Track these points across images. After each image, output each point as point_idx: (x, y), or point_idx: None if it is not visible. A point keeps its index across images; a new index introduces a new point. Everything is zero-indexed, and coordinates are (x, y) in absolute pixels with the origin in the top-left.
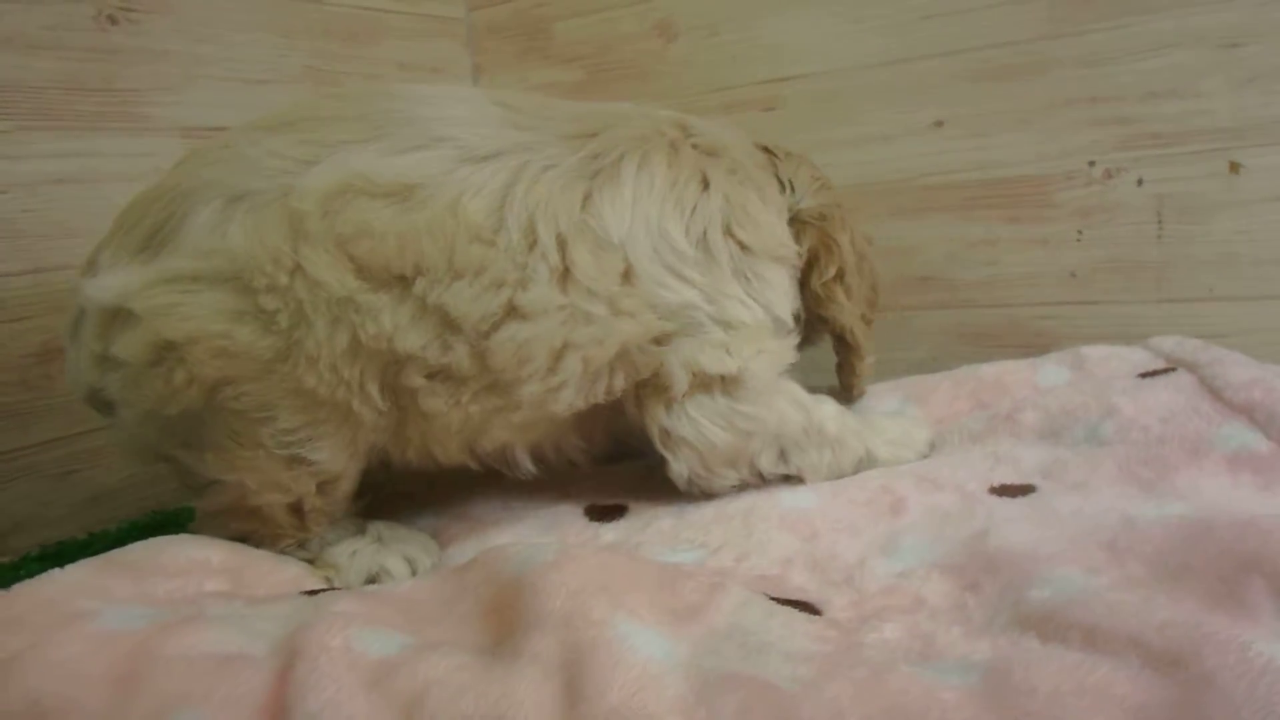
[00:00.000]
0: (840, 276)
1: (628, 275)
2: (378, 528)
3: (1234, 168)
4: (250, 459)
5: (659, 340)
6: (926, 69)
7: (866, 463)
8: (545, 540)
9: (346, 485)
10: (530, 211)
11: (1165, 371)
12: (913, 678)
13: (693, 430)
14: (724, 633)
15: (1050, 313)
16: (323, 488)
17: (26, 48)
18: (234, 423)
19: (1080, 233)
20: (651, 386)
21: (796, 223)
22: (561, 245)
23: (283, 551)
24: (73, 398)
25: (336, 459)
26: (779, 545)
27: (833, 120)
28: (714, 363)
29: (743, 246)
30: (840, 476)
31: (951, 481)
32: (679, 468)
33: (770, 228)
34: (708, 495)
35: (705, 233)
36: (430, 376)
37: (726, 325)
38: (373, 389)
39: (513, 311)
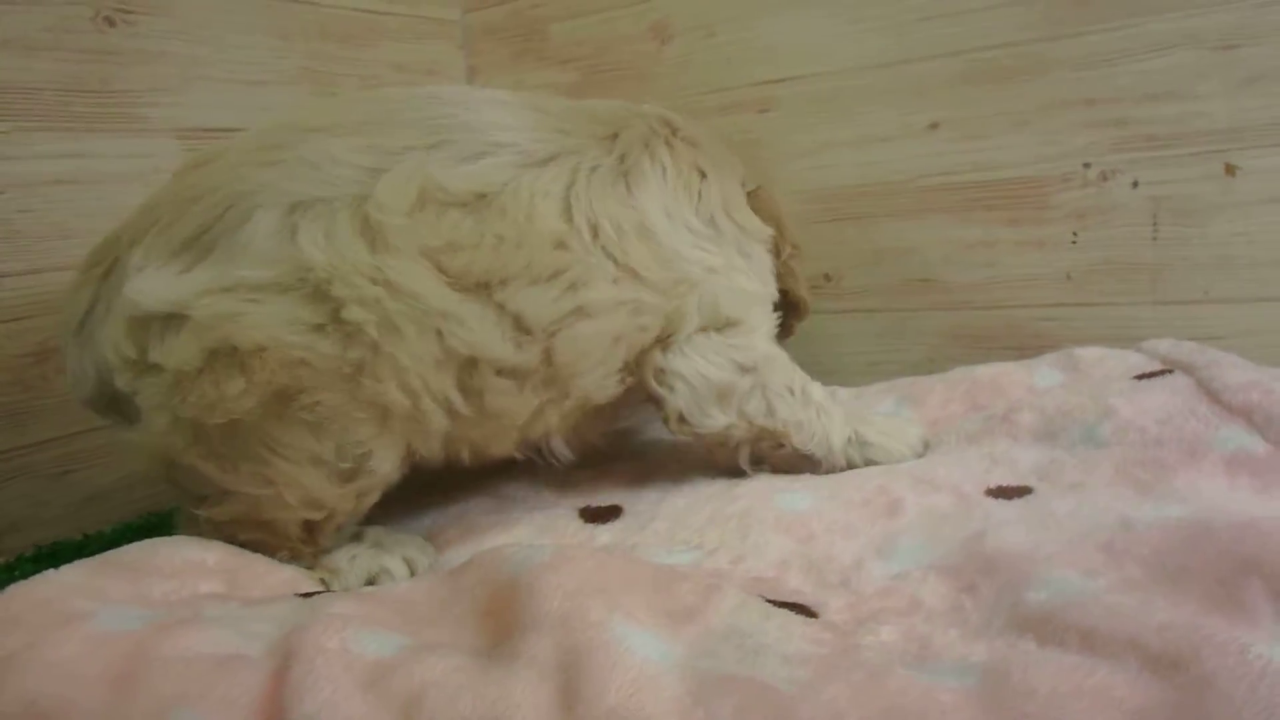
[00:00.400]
0: (796, 252)
1: (665, 260)
2: (373, 533)
3: (1230, 170)
4: (295, 474)
5: (679, 308)
6: (923, 70)
7: (856, 445)
8: (541, 542)
9: (376, 497)
10: (592, 211)
11: (1162, 373)
12: (910, 679)
13: (688, 365)
14: (721, 635)
15: (1046, 314)
16: (361, 500)
17: (25, 49)
18: (288, 435)
19: (1076, 235)
20: (657, 342)
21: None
22: (621, 238)
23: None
24: (69, 398)
25: (394, 468)
26: (775, 547)
27: (829, 121)
28: (727, 305)
29: (740, 228)
30: (830, 450)
31: (948, 483)
32: (672, 402)
33: (751, 213)
34: (693, 431)
35: (712, 216)
36: (499, 375)
37: (737, 289)
38: (455, 394)
39: (579, 310)
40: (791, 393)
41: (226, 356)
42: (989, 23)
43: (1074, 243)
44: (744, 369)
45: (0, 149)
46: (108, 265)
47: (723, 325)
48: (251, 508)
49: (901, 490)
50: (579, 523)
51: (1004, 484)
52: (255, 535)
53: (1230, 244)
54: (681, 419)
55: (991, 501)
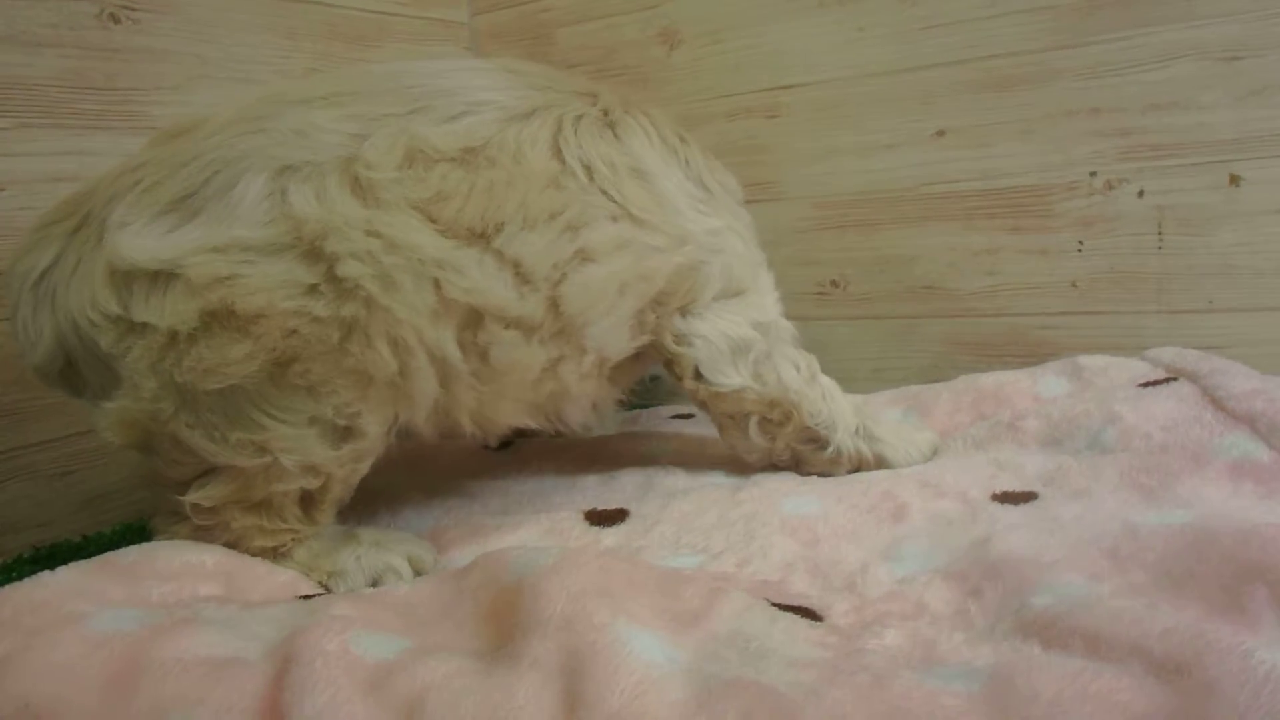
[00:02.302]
0: None
1: (664, 206)
2: (369, 533)
3: (1234, 180)
4: (293, 437)
5: (692, 264)
6: (929, 78)
7: (865, 438)
8: (545, 545)
9: (368, 467)
10: (584, 151)
11: (1166, 381)
12: (915, 684)
13: (708, 325)
14: (725, 638)
15: (1051, 323)
16: (356, 466)
17: (29, 44)
18: (286, 398)
19: (1081, 243)
20: (670, 309)
21: None
22: (616, 177)
23: (276, 557)
24: (69, 399)
25: (380, 432)
26: (780, 550)
27: (835, 128)
28: (739, 272)
29: (726, 189)
30: (835, 431)
31: (954, 488)
32: (690, 356)
33: (729, 174)
34: (709, 389)
35: (701, 177)
36: (506, 327)
37: (736, 253)
38: (453, 350)
39: (581, 254)
40: (798, 368)
41: (224, 319)
42: (995, 31)
43: (1079, 251)
44: (759, 325)
45: (3, 145)
46: (76, 221)
47: (736, 293)
48: (244, 484)
49: (907, 495)
50: (584, 525)
51: (1010, 489)
52: (249, 520)
53: (1234, 254)
54: (698, 374)
55: (997, 507)
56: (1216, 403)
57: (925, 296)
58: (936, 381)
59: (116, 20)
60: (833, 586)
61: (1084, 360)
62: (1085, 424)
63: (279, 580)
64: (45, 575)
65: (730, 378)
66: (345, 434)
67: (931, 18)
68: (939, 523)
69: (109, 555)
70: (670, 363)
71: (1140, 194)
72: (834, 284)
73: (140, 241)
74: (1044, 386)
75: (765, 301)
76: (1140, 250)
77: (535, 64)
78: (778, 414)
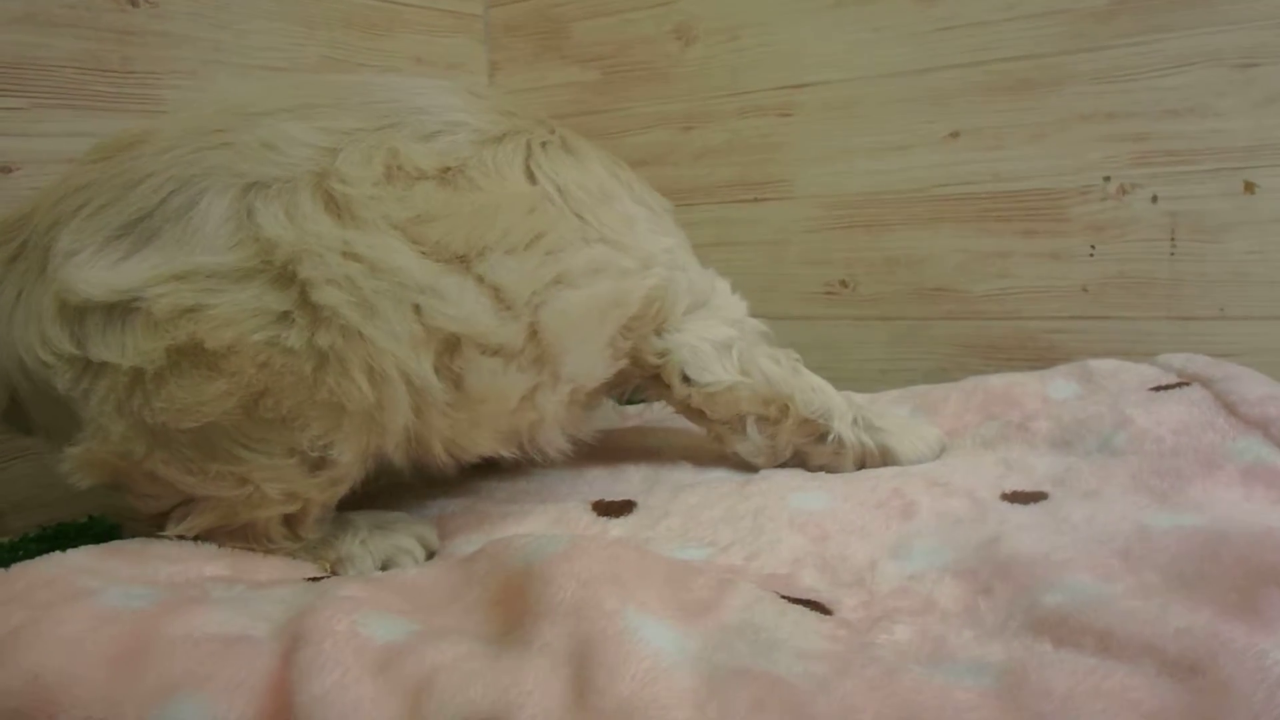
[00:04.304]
0: None
1: (630, 225)
2: (364, 517)
3: (1249, 188)
4: (273, 467)
5: (660, 286)
6: (944, 80)
7: (865, 429)
8: (554, 533)
9: (346, 488)
10: (556, 175)
11: (1178, 386)
12: (926, 678)
13: (685, 336)
14: (735, 629)
15: (1061, 326)
16: (334, 489)
17: (46, 25)
18: (264, 430)
19: (1093, 248)
20: (645, 332)
21: None
22: (590, 199)
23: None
24: None
25: (355, 460)
26: (789, 545)
27: (848, 128)
28: (699, 287)
29: (666, 210)
30: (831, 422)
31: (963, 487)
32: (674, 361)
33: (660, 196)
34: (701, 390)
35: (646, 201)
36: (484, 354)
37: (691, 267)
38: (431, 378)
39: (560, 280)
40: (778, 362)
41: (193, 356)
42: (1010, 34)
43: (1091, 255)
44: (734, 322)
45: (17, 125)
46: (13, 250)
47: (702, 303)
48: (226, 513)
49: (916, 493)
50: (591, 515)
51: (1020, 489)
52: (235, 543)
53: (1247, 261)
54: (685, 378)
55: (1007, 506)
56: (1229, 408)
57: (935, 298)
58: (943, 382)
59: (134, 4)
60: (841, 581)
61: (1094, 364)
62: (1096, 426)
63: (282, 562)
64: (56, 555)
65: (719, 374)
66: (319, 464)
67: (947, 19)
68: (948, 521)
69: (115, 542)
70: (656, 378)
71: (1154, 199)
72: (843, 284)
73: (92, 272)
74: (1054, 389)
75: (731, 301)
76: (1152, 256)
77: (492, 90)
78: (773, 410)
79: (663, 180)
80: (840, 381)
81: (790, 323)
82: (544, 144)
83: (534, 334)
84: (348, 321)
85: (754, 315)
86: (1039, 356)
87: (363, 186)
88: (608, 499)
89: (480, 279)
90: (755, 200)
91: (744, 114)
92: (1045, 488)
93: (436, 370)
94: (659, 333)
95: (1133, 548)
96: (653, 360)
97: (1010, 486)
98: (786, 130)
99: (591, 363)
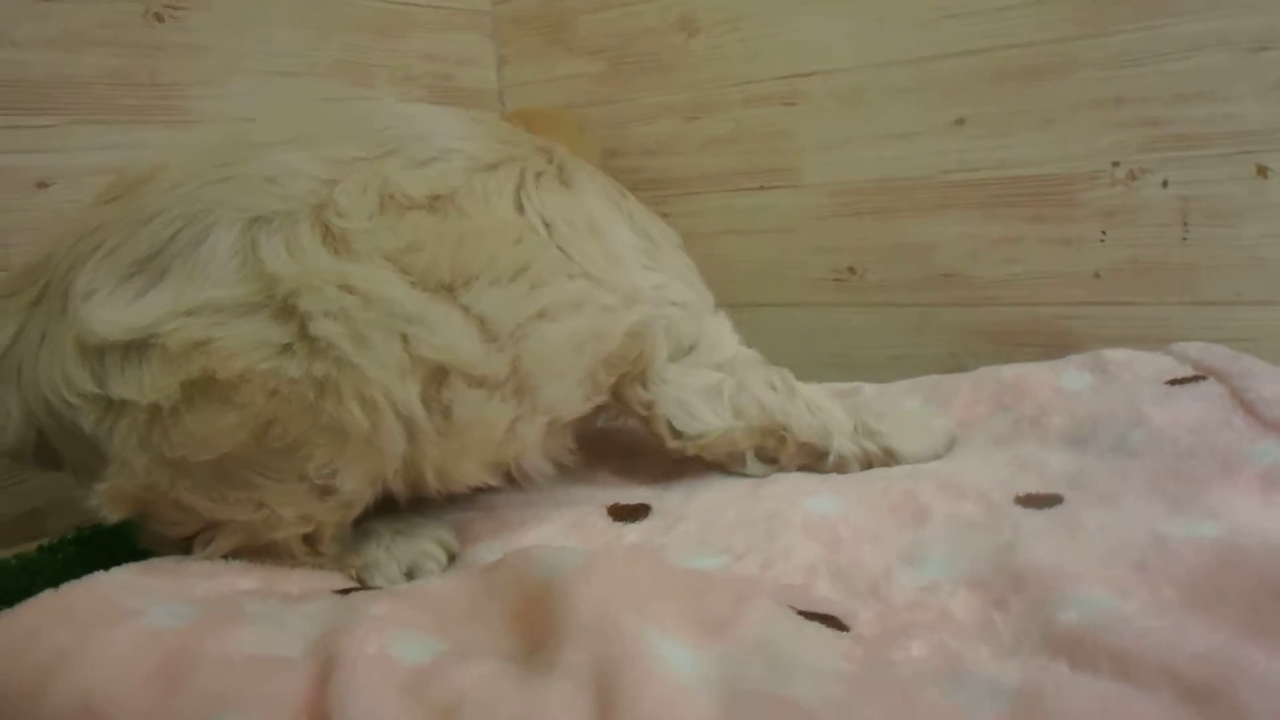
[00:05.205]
0: None
1: (615, 262)
2: (385, 524)
3: (1262, 171)
4: (285, 492)
5: (642, 327)
6: (948, 67)
7: (866, 435)
8: (569, 541)
9: (360, 509)
10: (544, 207)
11: (1194, 380)
12: (943, 701)
13: (668, 389)
14: (752, 647)
15: (1073, 313)
16: (347, 511)
17: (79, 44)
18: (273, 458)
19: (1104, 233)
20: (628, 375)
21: None
22: (574, 234)
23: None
24: None
25: (360, 488)
26: (802, 552)
27: (854, 117)
28: (686, 331)
29: (665, 236)
30: (830, 441)
31: (975, 489)
32: (660, 414)
33: (662, 220)
34: (694, 443)
35: (645, 229)
36: (470, 385)
37: (681, 305)
38: (418, 408)
39: (542, 313)
40: (774, 388)
41: (206, 389)
42: (1015, 21)
43: (1102, 241)
44: (722, 365)
45: (51, 141)
46: (36, 292)
47: (689, 348)
48: (248, 535)
49: (928, 496)
50: (607, 520)
51: (1033, 491)
52: (261, 560)
53: (1261, 246)
54: (673, 430)
55: (1020, 510)
56: (1246, 406)
57: (944, 285)
58: (955, 370)
59: (160, 19)
60: (856, 591)
61: (1108, 354)
62: (1110, 424)
63: (311, 573)
64: (100, 575)
65: (710, 422)
66: (327, 490)
67: (951, 6)
68: (961, 526)
69: (153, 560)
70: (646, 426)
71: (1165, 184)
72: (851, 271)
73: (108, 313)
74: (1067, 379)
75: (721, 341)
76: (1164, 241)
77: (492, 115)
78: (771, 441)
79: (669, 170)
80: (852, 368)
81: (800, 309)
82: (538, 174)
83: (515, 366)
84: (342, 352)
85: (763, 304)
86: (1051, 342)
87: (357, 220)
88: (622, 502)
89: (466, 309)
90: (761, 189)
91: (749, 103)
92: (1059, 489)
93: (425, 400)
94: (644, 383)
95: (1149, 559)
96: (639, 410)
97: (1023, 488)
98: (792, 119)
99: (569, 395)
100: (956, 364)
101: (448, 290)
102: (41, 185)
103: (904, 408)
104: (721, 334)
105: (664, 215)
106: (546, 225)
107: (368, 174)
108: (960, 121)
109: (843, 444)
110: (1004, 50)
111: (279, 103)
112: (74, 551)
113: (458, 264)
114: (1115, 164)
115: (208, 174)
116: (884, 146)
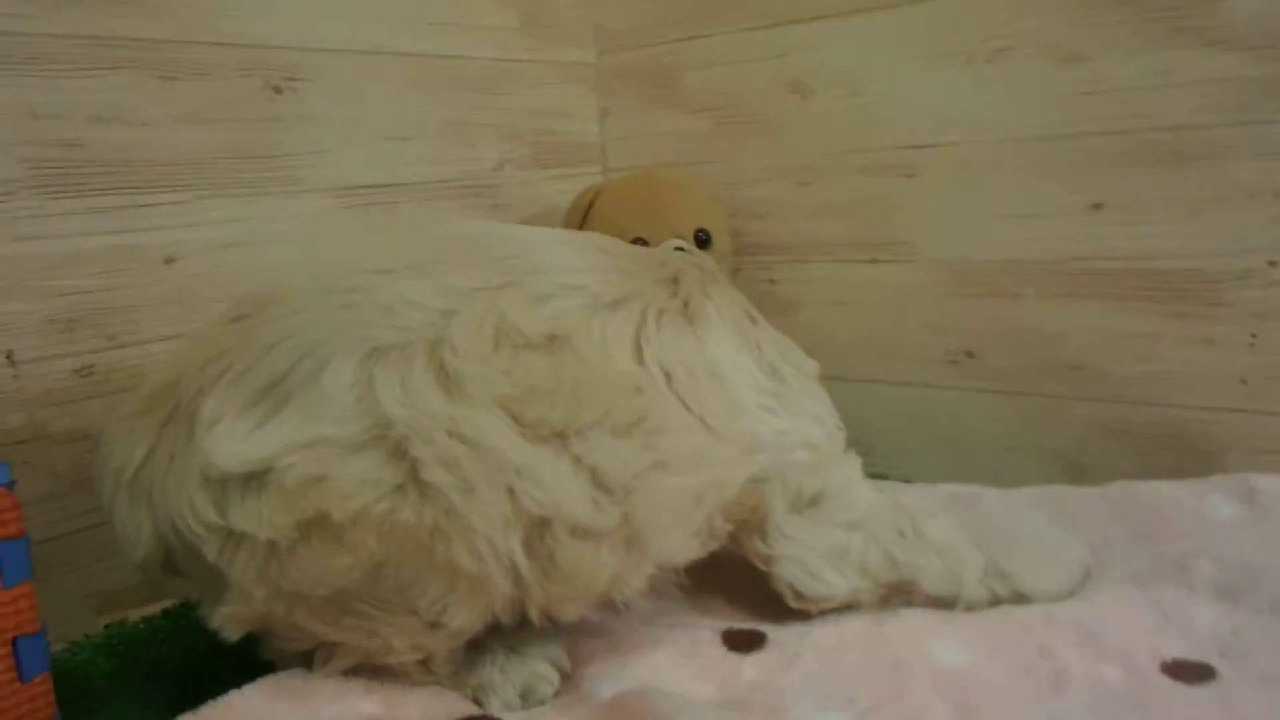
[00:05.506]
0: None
1: (736, 410)
2: (502, 639)
3: None
4: (396, 624)
5: (761, 476)
6: (1085, 147)
7: (996, 576)
8: (684, 672)
9: (469, 636)
10: (664, 355)
11: None
12: None
13: (793, 547)
14: None
15: (1214, 419)
16: (456, 639)
17: (207, 122)
18: (385, 593)
19: (1254, 336)
20: (746, 523)
21: None
22: (694, 384)
23: None
24: None
25: (470, 622)
26: (935, 717)
27: (977, 192)
28: (808, 485)
29: (798, 369)
30: (963, 587)
31: (1116, 647)
32: (782, 576)
33: (802, 353)
34: (818, 606)
35: (773, 364)
36: (574, 535)
37: (810, 447)
38: (521, 558)
39: (660, 464)
40: (903, 535)
41: (320, 527)
42: (1162, 103)
43: (1251, 345)
44: (850, 525)
45: (180, 218)
46: (167, 412)
47: (811, 500)
48: (364, 654)
49: (1066, 655)
50: (722, 650)
51: (1180, 658)
52: (379, 678)
53: None
54: (795, 592)
55: (1169, 684)
56: None
57: (1070, 377)
58: (1076, 467)
59: (279, 91)
60: None
61: (1258, 481)
62: (1266, 579)
63: (431, 695)
64: (234, 695)
65: (835, 584)
66: (436, 624)
67: (1093, 83)
68: (1103, 697)
69: (280, 677)
70: (766, 577)
71: None
72: (968, 354)
73: (230, 444)
74: (1210, 506)
75: (851, 497)
76: None
77: (620, 242)
78: (899, 595)
79: (776, 235)
80: (963, 452)
81: (912, 389)
82: (660, 312)
83: (626, 518)
84: (450, 502)
85: (873, 379)
86: (1187, 447)
87: (472, 361)
88: (736, 626)
89: (578, 459)
90: (873, 261)
91: (865, 171)
92: (1210, 658)
93: (527, 547)
94: (763, 535)
95: None
96: (758, 562)
97: (1170, 652)
98: (910, 191)
99: (683, 545)
100: (1080, 459)
101: (560, 438)
102: (169, 261)
103: (1033, 529)
104: (852, 487)
105: (770, 282)
106: (667, 376)
107: (485, 308)
108: (1097, 206)
109: (973, 591)
110: (1148, 133)
111: (391, 168)
112: (164, 624)
113: (571, 413)
114: (1271, 263)
115: (329, 300)
116: (1009, 226)
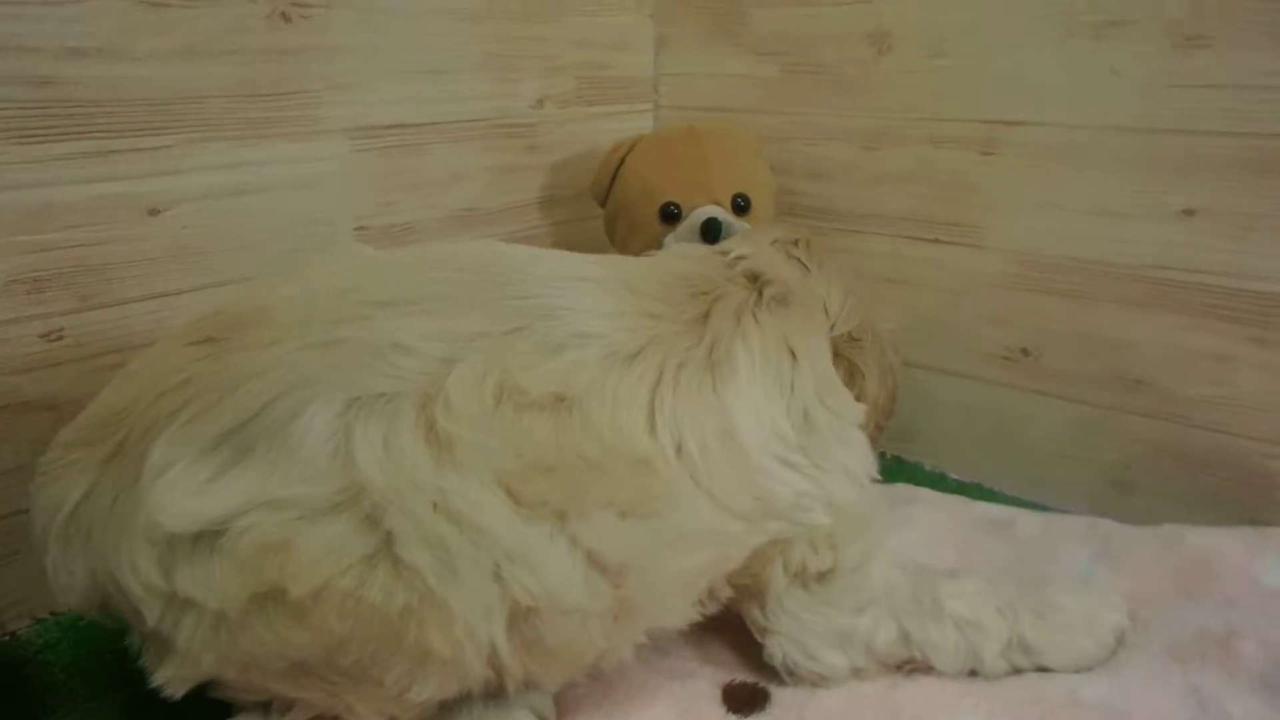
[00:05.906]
0: (860, 395)
1: (749, 476)
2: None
3: None
4: (368, 692)
5: (771, 545)
6: (1187, 145)
7: (1019, 650)
8: None
9: (438, 704)
10: (677, 423)
11: None
12: None
13: (791, 624)
14: None
15: (1277, 454)
16: (425, 709)
17: (205, 56)
18: (347, 668)
19: None
20: (746, 588)
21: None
22: (705, 458)
23: None
24: None
25: (442, 694)
26: None
27: (1059, 181)
28: (815, 562)
29: (835, 414)
30: (981, 664)
31: None
32: (777, 650)
33: (847, 394)
34: (814, 684)
35: (805, 410)
36: (563, 615)
37: (833, 507)
38: (503, 643)
39: (662, 545)
40: (919, 604)
41: (276, 602)
42: (1265, 104)
43: None
44: (860, 609)
45: (165, 164)
46: (112, 447)
47: (820, 578)
48: (325, 710)
49: None
50: (721, 710)
51: None
52: None
53: None
54: (789, 671)
55: None
56: None
57: (1132, 389)
58: (1124, 480)
59: (287, 19)
60: None
61: None
62: None
63: None
64: None
65: (834, 663)
66: (403, 696)
67: (1206, 74)
68: None
69: None
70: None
71: None
72: (1024, 352)
73: (180, 500)
74: (1263, 568)
75: (869, 577)
76: None
77: (654, 268)
78: (910, 667)
79: (834, 200)
80: (1007, 453)
81: (959, 380)
82: (680, 365)
83: (621, 596)
84: (427, 586)
85: (919, 365)
86: (1246, 482)
87: (467, 425)
88: (738, 680)
89: (574, 540)
90: (935, 241)
91: (938, 143)
92: None
93: (510, 629)
94: (761, 605)
95: None
96: (754, 631)
97: None
98: (984, 169)
99: (678, 616)
100: (1129, 476)
101: (558, 518)
102: (153, 212)
103: (1069, 583)
104: (868, 564)
105: None
106: (678, 449)
107: (489, 358)
108: (1189, 212)
109: (993, 664)
110: (1256, 137)
111: (424, 105)
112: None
113: (573, 494)
114: None
115: (315, 333)
116: (1089, 221)
